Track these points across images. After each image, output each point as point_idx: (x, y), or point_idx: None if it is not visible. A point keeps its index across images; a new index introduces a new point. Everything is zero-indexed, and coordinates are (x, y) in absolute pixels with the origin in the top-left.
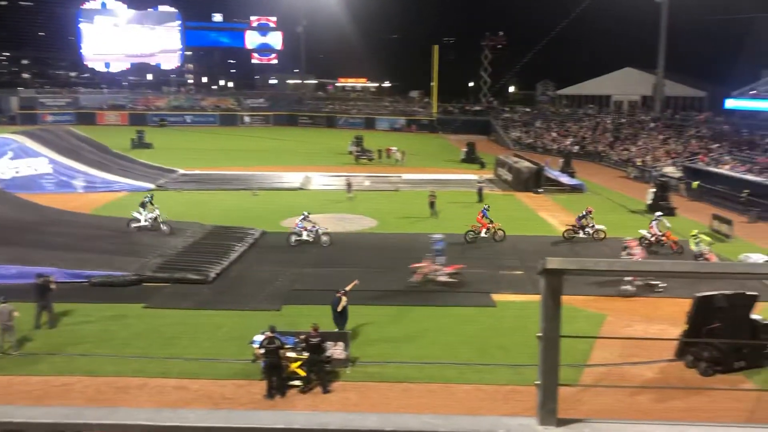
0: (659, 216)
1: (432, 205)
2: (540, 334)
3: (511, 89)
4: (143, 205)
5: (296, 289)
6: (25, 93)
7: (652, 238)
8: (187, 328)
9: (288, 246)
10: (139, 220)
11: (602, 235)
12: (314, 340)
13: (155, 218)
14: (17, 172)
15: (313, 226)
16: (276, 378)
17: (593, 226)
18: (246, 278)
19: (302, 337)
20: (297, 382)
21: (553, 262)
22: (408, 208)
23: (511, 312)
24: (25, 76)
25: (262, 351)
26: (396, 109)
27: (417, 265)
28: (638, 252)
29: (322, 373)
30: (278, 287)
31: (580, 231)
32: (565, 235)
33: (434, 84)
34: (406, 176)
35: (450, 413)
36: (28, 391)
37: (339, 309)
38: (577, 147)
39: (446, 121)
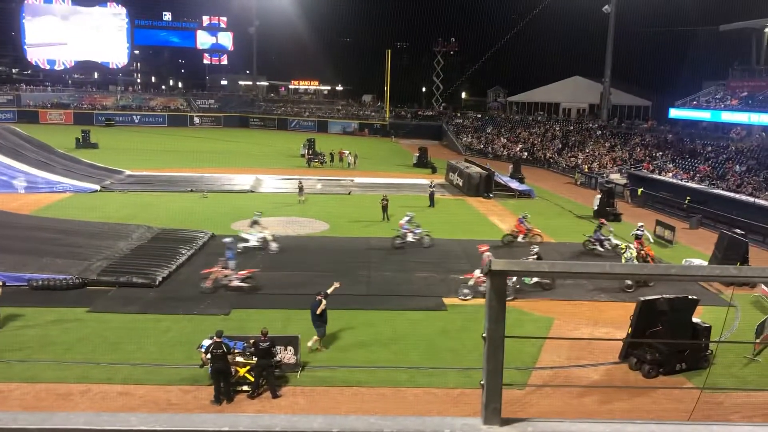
0: (525, 215)
1: (384, 209)
2: (485, 335)
3: (463, 95)
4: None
5: (246, 293)
6: None
7: (520, 235)
8: (133, 333)
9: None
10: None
11: (539, 239)
12: (263, 345)
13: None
14: None
15: (261, 233)
16: (224, 383)
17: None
18: (194, 282)
19: (251, 341)
20: (245, 387)
21: (498, 264)
22: (360, 211)
23: (461, 315)
24: None
25: (209, 356)
26: (349, 113)
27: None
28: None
29: (271, 377)
30: (227, 291)
31: (520, 236)
32: (504, 240)
33: (387, 88)
34: (358, 180)
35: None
36: None
37: (318, 312)
38: (526, 153)
39: (399, 126)
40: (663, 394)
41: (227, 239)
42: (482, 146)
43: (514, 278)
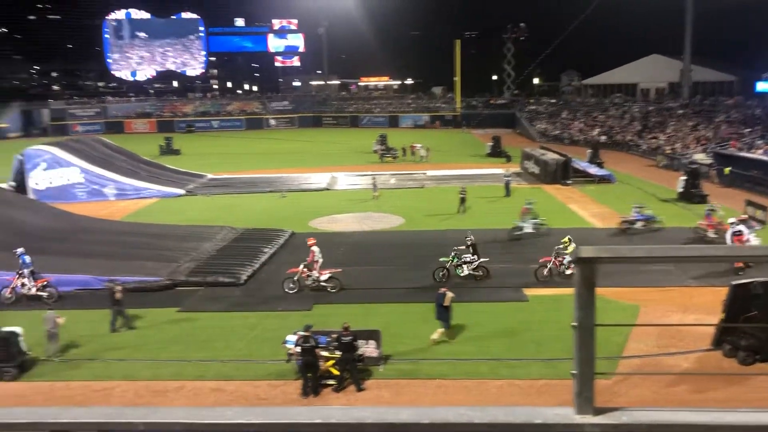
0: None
1: (462, 200)
2: (575, 324)
3: (536, 81)
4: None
5: (330, 290)
6: (55, 105)
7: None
8: (221, 331)
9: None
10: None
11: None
12: (346, 339)
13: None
14: (51, 183)
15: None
16: (311, 377)
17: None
18: (277, 279)
19: (334, 336)
20: (331, 381)
21: (587, 251)
22: (434, 204)
23: (542, 305)
24: (55, 88)
25: (298, 350)
26: (419, 106)
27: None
28: None
29: (355, 371)
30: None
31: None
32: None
33: (457, 79)
34: (431, 173)
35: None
36: (69, 396)
37: (446, 304)
38: (604, 137)
39: (470, 116)
40: (762, 382)
41: (19, 250)
42: (557, 132)
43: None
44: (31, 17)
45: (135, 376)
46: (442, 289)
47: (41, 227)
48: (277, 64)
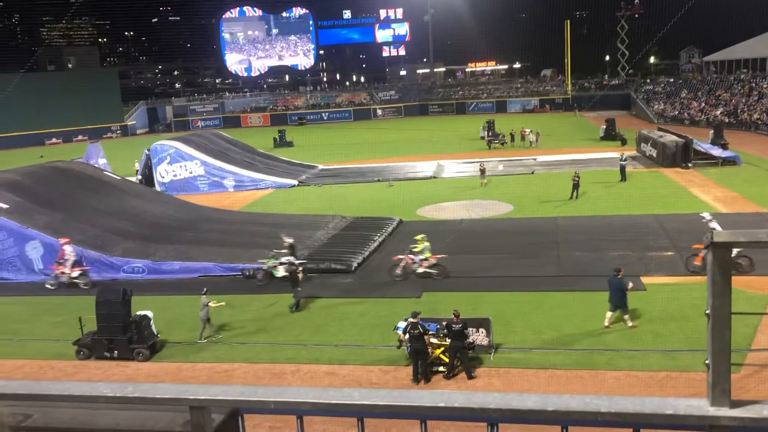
0: None
1: (576, 186)
2: (708, 312)
3: (652, 60)
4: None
5: (435, 276)
6: (177, 102)
7: None
8: (334, 316)
9: (425, 233)
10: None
11: None
12: (456, 327)
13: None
14: (175, 176)
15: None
16: (421, 363)
17: None
18: (386, 267)
19: (444, 323)
20: (441, 368)
21: (722, 235)
22: (545, 191)
23: (661, 294)
24: (177, 86)
25: (407, 336)
26: (528, 90)
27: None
28: None
29: (465, 359)
30: (418, 274)
31: None
32: None
33: (567, 60)
34: (541, 158)
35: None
36: (195, 377)
37: (630, 288)
38: (728, 116)
39: (582, 98)
40: None
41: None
42: (676, 113)
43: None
44: (154, 20)
45: (255, 359)
46: (620, 274)
47: (167, 218)
48: (383, 54)
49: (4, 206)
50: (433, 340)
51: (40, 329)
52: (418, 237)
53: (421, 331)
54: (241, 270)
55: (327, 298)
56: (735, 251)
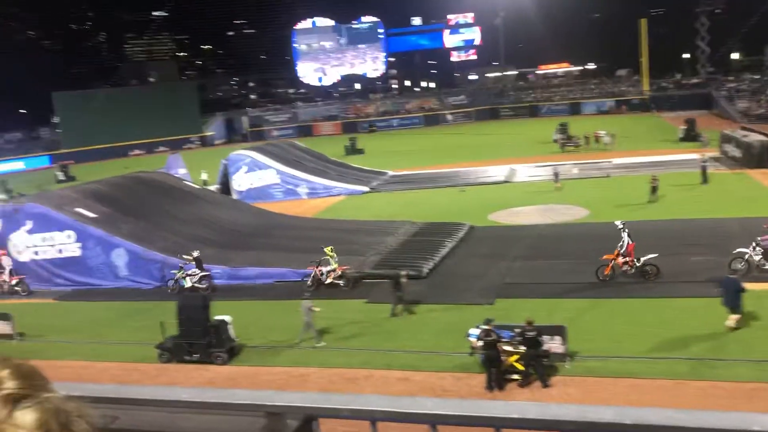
0: None
1: (654, 189)
2: None
3: (735, 56)
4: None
5: (508, 283)
6: (253, 112)
7: None
8: (406, 322)
9: (497, 239)
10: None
11: None
12: (530, 334)
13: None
14: (251, 184)
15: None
16: (495, 371)
17: None
18: (458, 273)
19: (518, 330)
20: (515, 376)
21: None
22: (622, 194)
23: (748, 302)
24: (252, 96)
25: (480, 344)
26: (603, 91)
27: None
28: None
29: (540, 367)
30: (490, 281)
31: None
32: None
33: (644, 60)
34: (617, 161)
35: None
36: (271, 380)
37: (744, 290)
38: None
39: (660, 98)
40: None
41: None
42: (763, 110)
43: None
44: (230, 33)
45: (328, 364)
46: (734, 275)
47: (244, 225)
48: (453, 59)
49: (92, 215)
50: (507, 348)
51: (125, 333)
52: (327, 249)
53: (494, 338)
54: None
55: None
56: (642, 259)
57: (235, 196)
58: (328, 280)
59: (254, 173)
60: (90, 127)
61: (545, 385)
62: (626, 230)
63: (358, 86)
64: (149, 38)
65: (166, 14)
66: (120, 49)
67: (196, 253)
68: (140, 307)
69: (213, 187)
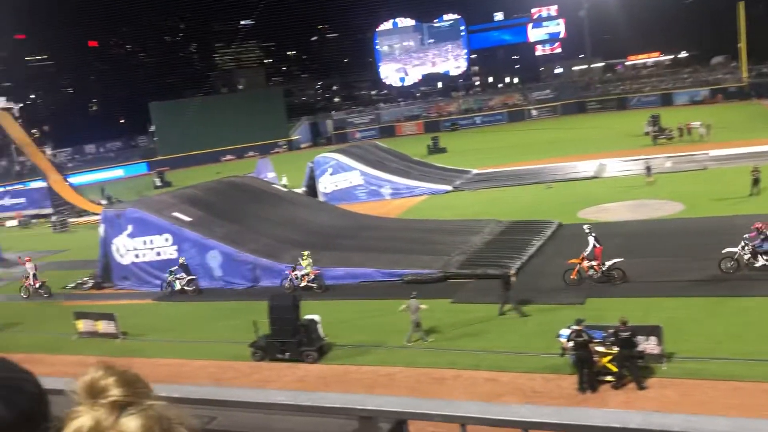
0: None
1: (756, 182)
2: None
3: None
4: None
5: (600, 282)
6: (337, 115)
7: None
8: (493, 322)
9: (587, 237)
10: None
11: None
12: (624, 334)
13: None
14: (336, 186)
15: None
16: (587, 372)
17: None
18: (546, 272)
19: (611, 331)
20: (609, 378)
21: None
22: (720, 188)
23: None
24: (336, 100)
25: (571, 344)
26: (696, 80)
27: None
28: None
29: (634, 368)
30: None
31: None
32: None
33: (741, 45)
34: (714, 153)
35: None
36: (359, 379)
37: None
38: None
39: (761, 85)
40: None
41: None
42: None
43: None
44: (314, 38)
45: (415, 363)
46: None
47: (330, 226)
48: (537, 53)
49: (188, 219)
50: (599, 348)
51: (220, 332)
52: (304, 253)
53: (586, 338)
54: (401, 275)
55: (484, 304)
56: (608, 264)
57: (321, 198)
58: (303, 284)
59: (339, 175)
60: (184, 134)
61: (640, 387)
62: (593, 235)
63: (439, 85)
64: (237, 47)
65: (253, 22)
66: (210, 59)
67: (181, 259)
68: (234, 306)
69: (299, 190)
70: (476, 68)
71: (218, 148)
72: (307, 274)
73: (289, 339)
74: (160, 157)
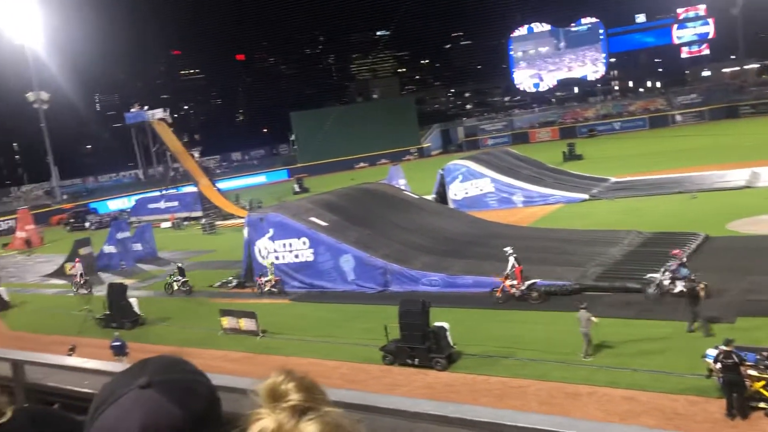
0: None
1: None
2: None
3: None
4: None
5: (753, 300)
6: (468, 122)
7: None
8: (631, 339)
9: (738, 251)
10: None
11: None
12: None
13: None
14: (466, 193)
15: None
16: (737, 397)
17: None
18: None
19: (765, 354)
20: (762, 404)
21: None
22: None
23: None
24: (468, 107)
25: (719, 366)
26: None
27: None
28: None
29: None
30: (730, 297)
31: None
32: None
33: None
34: None
35: None
36: (489, 390)
37: None
38: None
39: None
40: None
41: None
42: None
43: None
44: (447, 46)
45: (547, 377)
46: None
47: (460, 233)
48: (682, 55)
49: (323, 224)
50: (752, 372)
51: (352, 334)
52: (267, 262)
53: (737, 360)
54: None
55: (622, 319)
56: (527, 283)
57: (451, 205)
58: (266, 288)
59: (469, 182)
60: (321, 142)
61: None
62: (514, 255)
63: (576, 90)
64: (373, 57)
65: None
66: (347, 69)
67: (179, 264)
68: (365, 309)
69: (430, 197)
70: (615, 72)
71: (352, 156)
72: (270, 281)
73: (419, 345)
74: (299, 165)
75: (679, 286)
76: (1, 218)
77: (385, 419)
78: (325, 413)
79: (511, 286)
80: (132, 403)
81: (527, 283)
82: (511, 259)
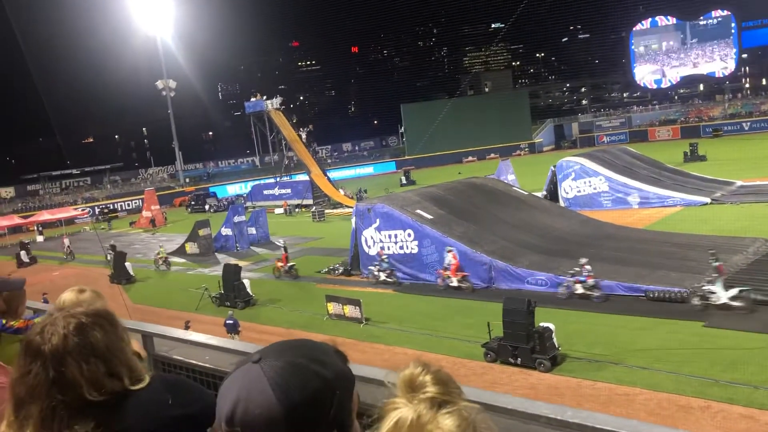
0: None
1: None
2: None
3: None
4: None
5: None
6: (583, 118)
7: None
8: (752, 353)
9: None
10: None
11: None
12: None
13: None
14: (578, 191)
15: None
16: None
17: None
18: None
19: None
20: None
21: None
22: None
23: None
24: (583, 102)
25: None
26: None
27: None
28: None
29: None
30: None
31: None
32: None
33: None
34: None
35: None
36: (594, 395)
37: None
38: None
39: None
40: None
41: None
42: None
43: None
44: (564, 39)
45: (657, 387)
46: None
47: (571, 233)
48: None
49: (429, 217)
50: None
51: (454, 328)
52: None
53: None
54: (645, 291)
55: (744, 332)
56: (461, 275)
57: (562, 203)
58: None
59: (582, 180)
60: (430, 135)
61: None
62: (453, 251)
63: (701, 87)
64: (486, 50)
65: (503, 25)
66: (460, 62)
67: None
68: (468, 304)
69: (540, 194)
70: (746, 69)
71: (461, 149)
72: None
73: (523, 344)
74: (407, 157)
75: None
76: (131, 198)
77: (498, 418)
78: (462, 407)
79: (447, 276)
80: (237, 376)
81: (460, 275)
82: (449, 255)
